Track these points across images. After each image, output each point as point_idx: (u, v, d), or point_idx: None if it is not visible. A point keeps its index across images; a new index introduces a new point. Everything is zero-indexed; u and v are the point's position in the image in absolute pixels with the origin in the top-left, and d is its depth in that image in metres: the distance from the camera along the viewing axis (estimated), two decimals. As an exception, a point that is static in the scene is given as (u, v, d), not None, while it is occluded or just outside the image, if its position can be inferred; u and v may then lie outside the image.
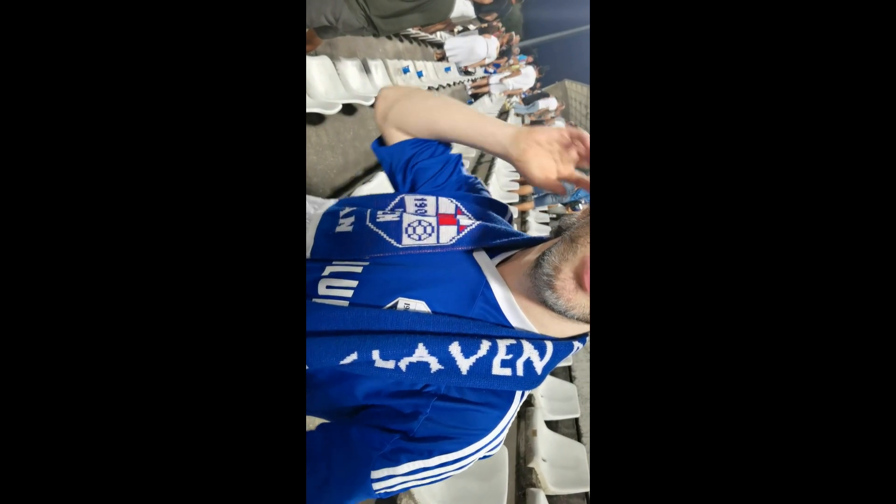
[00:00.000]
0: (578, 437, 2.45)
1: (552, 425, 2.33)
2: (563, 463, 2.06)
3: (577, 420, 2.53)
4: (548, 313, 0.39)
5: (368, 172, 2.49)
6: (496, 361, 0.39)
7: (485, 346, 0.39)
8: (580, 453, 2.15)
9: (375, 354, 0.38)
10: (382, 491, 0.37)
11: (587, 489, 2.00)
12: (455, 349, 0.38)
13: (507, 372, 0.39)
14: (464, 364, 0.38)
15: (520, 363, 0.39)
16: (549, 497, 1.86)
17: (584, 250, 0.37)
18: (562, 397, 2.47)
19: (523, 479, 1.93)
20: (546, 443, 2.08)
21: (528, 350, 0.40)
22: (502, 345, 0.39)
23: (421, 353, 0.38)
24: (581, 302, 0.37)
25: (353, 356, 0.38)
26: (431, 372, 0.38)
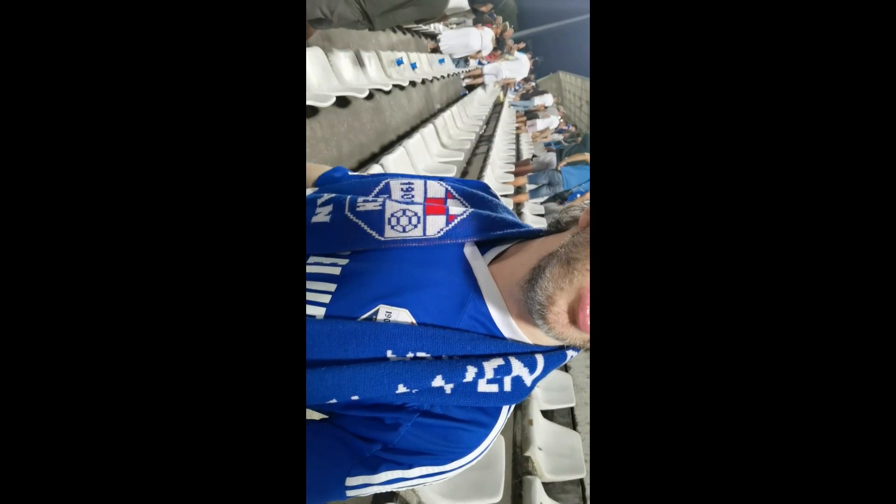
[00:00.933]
0: (574, 426, 2.48)
1: (548, 415, 2.36)
2: (559, 451, 2.09)
3: (572, 409, 2.56)
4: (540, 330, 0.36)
5: (363, 165, 2.47)
6: (482, 381, 0.37)
7: (471, 372, 0.36)
8: (575, 441, 2.18)
9: (355, 397, 0.36)
10: (354, 495, 0.35)
11: (582, 475, 2.04)
12: (438, 381, 0.35)
13: (494, 388, 0.37)
14: (448, 387, 0.36)
15: (507, 380, 0.37)
16: (544, 484, 1.90)
17: (581, 279, 0.33)
18: (557, 387, 2.51)
19: (520, 467, 1.97)
20: (542, 432, 2.12)
21: (517, 368, 0.37)
22: (489, 367, 0.36)
23: (402, 391, 0.35)
24: (575, 335, 0.34)
25: (333, 400, 0.36)
26: (413, 393, 0.36)
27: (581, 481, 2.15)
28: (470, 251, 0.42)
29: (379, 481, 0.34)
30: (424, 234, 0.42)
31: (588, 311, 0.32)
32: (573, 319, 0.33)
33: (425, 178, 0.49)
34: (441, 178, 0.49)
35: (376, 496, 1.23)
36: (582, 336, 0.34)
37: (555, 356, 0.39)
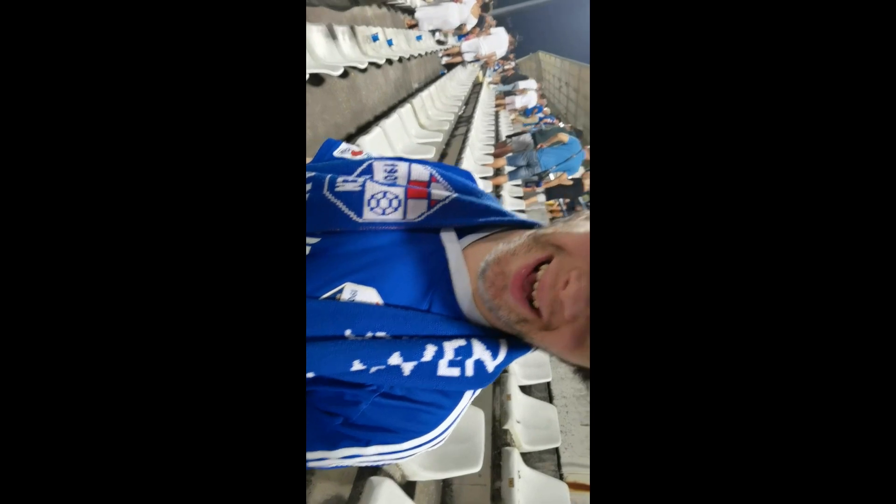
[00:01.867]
0: (550, 400, 2.59)
1: (526, 389, 2.45)
2: (536, 423, 2.18)
3: (549, 384, 2.66)
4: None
5: (340, 146, 2.42)
6: (442, 363, 0.36)
7: (430, 351, 0.35)
8: (552, 414, 2.28)
9: (310, 374, 0.35)
10: (316, 467, 0.36)
11: (557, 444, 2.15)
12: (395, 359, 0.35)
13: (455, 372, 0.37)
14: (406, 367, 0.36)
15: (469, 363, 0.37)
16: (522, 454, 1.98)
17: (537, 253, 0.34)
18: (534, 363, 2.59)
19: (499, 439, 2.05)
20: (520, 406, 2.20)
21: (479, 351, 0.36)
22: (449, 348, 0.36)
23: (358, 367, 0.35)
24: (506, 305, 0.34)
25: None
26: (370, 373, 0.35)
27: (556, 450, 2.26)
28: (446, 234, 0.42)
29: (337, 457, 0.35)
30: (405, 217, 0.41)
31: (520, 282, 0.33)
32: (503, 283, 0.34)
33: (410, 160, 0.48)
34: (426, 162, 0.49)
35: (361, 469, 1.26)
36: (511, 307, 0.34)
37: (518, 346, 0.38)
